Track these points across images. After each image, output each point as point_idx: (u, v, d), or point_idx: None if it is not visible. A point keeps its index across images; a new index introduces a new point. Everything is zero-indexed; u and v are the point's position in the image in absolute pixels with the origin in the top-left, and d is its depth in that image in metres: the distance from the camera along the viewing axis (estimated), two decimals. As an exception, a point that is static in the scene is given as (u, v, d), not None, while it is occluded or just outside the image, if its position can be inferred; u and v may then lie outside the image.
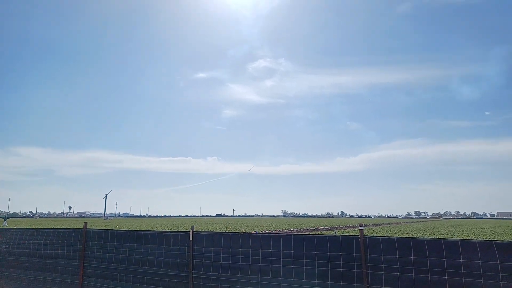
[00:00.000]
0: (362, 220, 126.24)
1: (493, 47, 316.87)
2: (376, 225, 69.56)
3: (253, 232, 8.38)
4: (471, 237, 31.99)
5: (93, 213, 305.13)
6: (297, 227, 55.43)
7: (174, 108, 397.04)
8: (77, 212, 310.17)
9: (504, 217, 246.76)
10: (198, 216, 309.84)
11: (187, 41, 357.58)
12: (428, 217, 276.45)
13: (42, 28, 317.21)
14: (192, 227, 8.86)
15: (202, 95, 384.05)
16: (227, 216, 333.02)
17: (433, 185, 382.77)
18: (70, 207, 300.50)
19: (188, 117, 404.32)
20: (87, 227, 10.23)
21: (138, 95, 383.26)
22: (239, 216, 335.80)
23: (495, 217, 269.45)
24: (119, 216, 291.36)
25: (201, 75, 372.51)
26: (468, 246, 5.77)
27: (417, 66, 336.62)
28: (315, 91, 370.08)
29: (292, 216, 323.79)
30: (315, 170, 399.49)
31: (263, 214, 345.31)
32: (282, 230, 45.31)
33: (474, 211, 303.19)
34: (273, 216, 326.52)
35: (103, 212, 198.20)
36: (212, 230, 9.51)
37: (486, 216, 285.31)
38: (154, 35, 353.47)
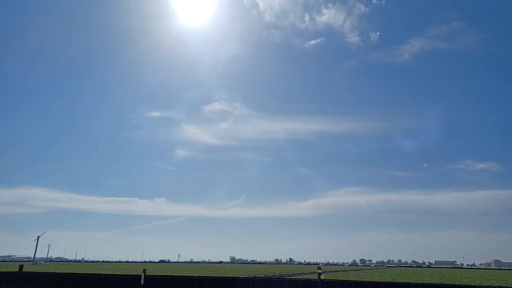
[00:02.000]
0: (310, 267, 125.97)
1: (430, 105, 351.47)
2: (324, 272, 69.72)
3: (209, 276, 8.12)
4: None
5: (20, 257, 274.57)
6: (246, 274, 53.93)
7: (123, 146, 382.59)
8: (0, 256, 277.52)
9: (441, 266, 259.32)
10: (140, 262, 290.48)
11: (144, 81, 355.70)
12: (373, 265, 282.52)
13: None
14: (144, 270, 8.41)
15: (155, 134, 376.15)
16: (171, 262, 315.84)
17: (377, 233, 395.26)
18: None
19: (138, 156, 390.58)
20: (23, 270, 9.28)
21: (84, 130, 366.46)
22: (184, 262, 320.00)
23: (433, 265, 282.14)
24: (51, 260, 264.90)
25: (155, 114, 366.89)
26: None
27: (363, 118, 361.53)
28: (269, 135, 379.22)
29: (240, 263, 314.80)
30: (266, 214, 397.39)
31: (210, 260, 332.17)
32: (231, 277, 43.64)
33: (414, 260, 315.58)
34: (221, 262, 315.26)
35: (33, 256, 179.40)
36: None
37: (425, 264, 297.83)
38: (111, 72, 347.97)
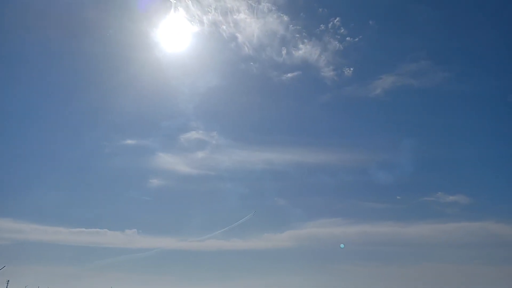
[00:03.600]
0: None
1: (402, 139, 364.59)
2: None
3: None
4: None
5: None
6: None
7: (94, 175, 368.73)
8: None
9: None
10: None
11: (121, 109, 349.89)
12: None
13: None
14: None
15: (129, 163, 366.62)
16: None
17: (353, 265, 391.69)
18: None
19: (110, 185, 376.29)
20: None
21: (52, 158, 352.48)
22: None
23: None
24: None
25: (130, 142, 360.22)
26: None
27: (339, 150, 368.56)
28: (246, 165, 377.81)
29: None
30: (242, 246, 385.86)
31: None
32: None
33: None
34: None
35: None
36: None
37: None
38: (87, 99, 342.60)
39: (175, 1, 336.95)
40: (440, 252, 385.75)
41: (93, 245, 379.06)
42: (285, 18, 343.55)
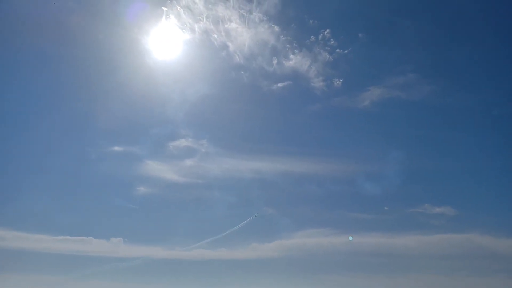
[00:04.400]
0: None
1: (390, 150, 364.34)
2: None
3: None
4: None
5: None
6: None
7: (79, 181, 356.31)
8: None
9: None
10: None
11: (109, 115, 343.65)
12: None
13: None
14: None
15: (115, 170, 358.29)
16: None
17: (339, 276, 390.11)
18: None
19: (95, 192, 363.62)
20: None
21: (36, 163, 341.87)
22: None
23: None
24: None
25: (117, 148, 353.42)
26: None
27: (327, 160, 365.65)
28: (234, 174, 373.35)
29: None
30: (229, 256, 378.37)
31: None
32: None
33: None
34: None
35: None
36: None
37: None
38: (74, 104, 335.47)
39: (166, 9, 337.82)
40: (426, 263, 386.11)
41: (78, 253, 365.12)
42: (276, 28, 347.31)
